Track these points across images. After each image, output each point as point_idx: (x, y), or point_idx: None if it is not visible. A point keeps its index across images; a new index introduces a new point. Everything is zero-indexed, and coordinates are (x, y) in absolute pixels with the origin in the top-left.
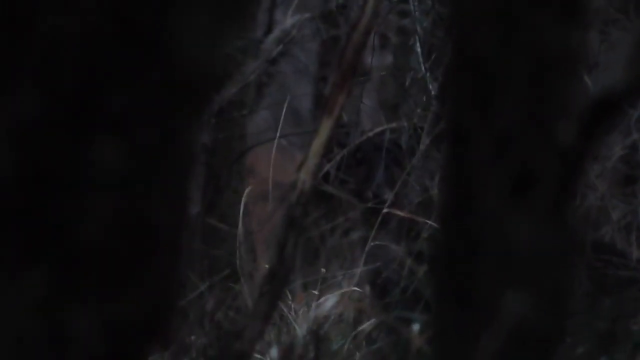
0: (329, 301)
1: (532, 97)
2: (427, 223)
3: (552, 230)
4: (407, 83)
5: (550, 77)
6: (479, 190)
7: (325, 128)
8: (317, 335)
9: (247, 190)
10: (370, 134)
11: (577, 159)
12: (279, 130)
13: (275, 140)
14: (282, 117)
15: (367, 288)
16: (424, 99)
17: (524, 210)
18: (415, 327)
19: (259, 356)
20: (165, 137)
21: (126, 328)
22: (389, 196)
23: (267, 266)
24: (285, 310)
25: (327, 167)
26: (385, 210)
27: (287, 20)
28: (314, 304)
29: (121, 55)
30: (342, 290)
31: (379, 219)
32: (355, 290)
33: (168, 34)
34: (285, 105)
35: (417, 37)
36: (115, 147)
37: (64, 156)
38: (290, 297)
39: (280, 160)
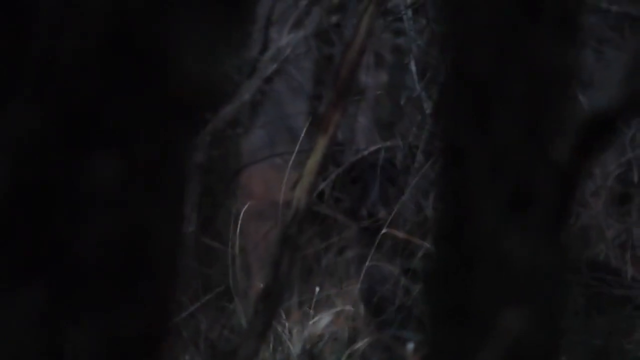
0: (324, 320)
1: (527, 115)
2: (422, 242)
3: (547, 248)
4: (402, 102)
5: (545, 96)
6: (474, 208)
7: (321, 146)
8: (312, 354)
9: (243, 209)
10: (365, 152)
11: (572, 177)
12: (273, 148)
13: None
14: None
15: (362, 307)
16: (419, 117)
17: (519, 228)
18: (410, 346)
19: None
20: (161, 154)
21: (122, 345)
22: (383, 215)
23: (261, 285)
24: (279, 328)
25: (322, 185)
26: (383, 232)
27: (282, 38)
28: (308, 323)
29: (118, 73)
30: (337, 309)
31: (377, 239)
32: (349, 308)
33: (165, 52)
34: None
35: (411, 56)
36: (112, 164)
37: (61, 173)
38: (284, 316)
39: (275, 178)
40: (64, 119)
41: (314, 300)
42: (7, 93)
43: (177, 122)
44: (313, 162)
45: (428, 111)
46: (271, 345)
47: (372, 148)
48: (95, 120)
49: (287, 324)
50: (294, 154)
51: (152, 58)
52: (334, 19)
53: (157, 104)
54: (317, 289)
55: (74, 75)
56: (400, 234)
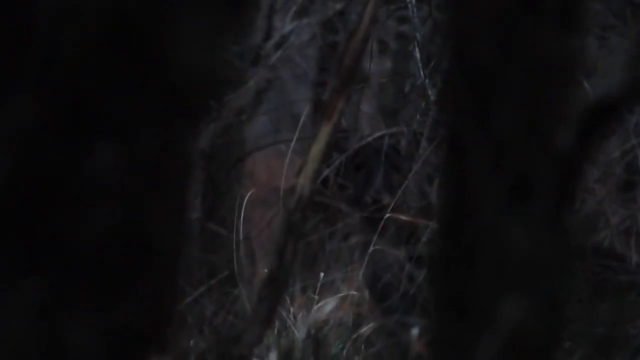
0: (328, 305)
1: (529, 102)
2: (426, 228)
3: (551, 236)
4: (406, 89)
5: (548, 83)
6: (477, 196)
7: (324, 133)
8: (316, 340)
9: (247, 196)
10: (370, 139)
11: (575, 164)
12: (279, 135)
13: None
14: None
15: (366, 292)
16: (423, 104)
17: (522, 216)
18: (414, 331)
19: None
20: (163, 143)
21: (125, 335)
22: (387, 201)
23: (266, 271)
24: (284, 314)
25: (326, 172)
26: (387, 216)
27: (286, 26)
28: (313, 308)
29: (119, 63)
30: (341, 295)
31: (380, 224)
32: (354, 294)
33: (166, 41)
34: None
35: (416, 43)
36: (114, 154)
37: (62, 164)
38: (289, 301)
39: (279, 165)
40: (64, 111)
41: (319, 285)
42: (7, 85)
43: (178, 112)
44: (317, 149)
45: (432, 98)
46: (276, 331)
47: (376, 135)
48: (96, 112)
49: (291, 310)
50: (297, 141)
51: (153, 48)
52: (338, 6)
53: (158, 94)
54: (322, 274)
55: (74, 67)
56: (404, 217)
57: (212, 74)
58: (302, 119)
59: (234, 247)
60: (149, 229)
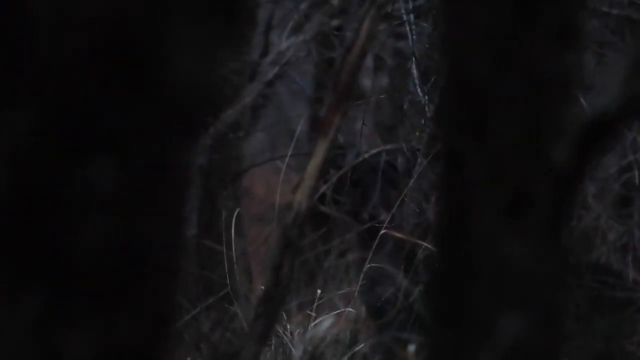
0: (325, 322)
1: (526, 118)
2: (423, 244)
3: (547, 252)
4: (403, 105)
5: (545, 99)
6: (474, 211)
7: (321, 150)
8: (314, 356)
9: (244, 212)
10: (367, 155)
11: (572, 180)
12: (276, 152)
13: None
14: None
15: (363, 309)
16: (420, 121)
17: (519, 231)
18: (411, 348)
19: None
20: (161, 158)
21: (121, 351)
22: (385, 217)
23: (263, 287)
24: (281, 331)
25: (323, 188)
26: (382, 231)
27: (283, 42)
28: (310, 325)
29: (117, 78)
30: (338, 311)
31: (376, 240)
32: (351, 311)
33: (163, 56)
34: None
35: (413, 60)
36: (111, 169)
37: (60, 178)
38: (286, 318)
39: (277, 181)
40: (61, 125)
41: (316, 302)
42: (4, 98)
43: (176, 127)
44: (314, 165)
45: (429, 115)
46: (273, 348)
47: (374, 151)
48: (93, 126)
49: (288, 327)
50: (294, 157)
51: (150, 63)
52: (335, 22)
53: (155, 108)
54: (319, 291)
55: (72, 81)
56: (399, 234)
57: (209, 89)
58: (297, 134)
59: (231, 263)
60: (146, 244)
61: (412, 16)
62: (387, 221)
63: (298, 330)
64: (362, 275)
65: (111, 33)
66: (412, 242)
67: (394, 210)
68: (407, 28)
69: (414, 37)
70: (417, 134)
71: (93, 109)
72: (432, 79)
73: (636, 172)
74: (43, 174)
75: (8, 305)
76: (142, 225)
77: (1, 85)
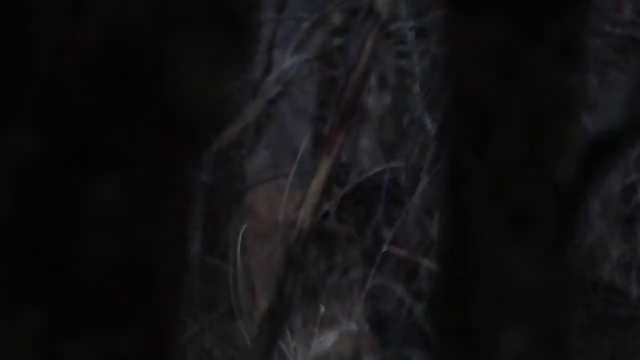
0: (329, 338)
1: (529, 136)
2: (423, 259)
3: (551, 269)
4: (405, 123)
5: (548, 117)
6: (478, 229)
7: (325, 167)
8: None
9: (242, 229)
10: (370, 173)
11: (575, 198)
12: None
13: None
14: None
15: (366, 326)
16: (423, 138)
17: (523, 249)
18: None
19: None
20: (163, 176)
21: None
22: (388, 235)
23: (266, 304)
24: (284, 347)
25: (326, 206)
26: (384, 250)
27: (286, 61)
28: (313, 342)
29: (119, 95)
30: (342, 328)
31: (378, 258)
32: (354, 327)
33: (166, 73)
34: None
35: (414, 78)
36: (114, 186)
37: (62, 195)
38: (289, 335)
39: (280, 199)
40: (64, 142)
41: (319, 319)
42: (8, 116)
43: (178, 144)
44: (317, 183)
45: (432, 132)
46: None
47: (377, 169)
48: (96, 142)
49: (292, 343)
50: (298, 175)
51: (153, 80)
52: (337, 41)
53: (158, 126)
54: (322, 308)
55: (74, 98)
56: (401, 252)
57: (212, 107)
58: (300, 153)
59: (234, 280)
60: (149, 261)
61: (413, 34)
62: (390, 238)
63: (302, 346)
64: (364, 292)
65: (114, 50)
66: (414, 259)
67: (395, 228)
68: (409, 46)
69: (416, 55)
70: (420, 151)
71: (95, 126)
72: (433, 97)
73: (639, 190)
74: (46, 190)
75: (10, 321)
76: (145, 241)
77: (3, 104)
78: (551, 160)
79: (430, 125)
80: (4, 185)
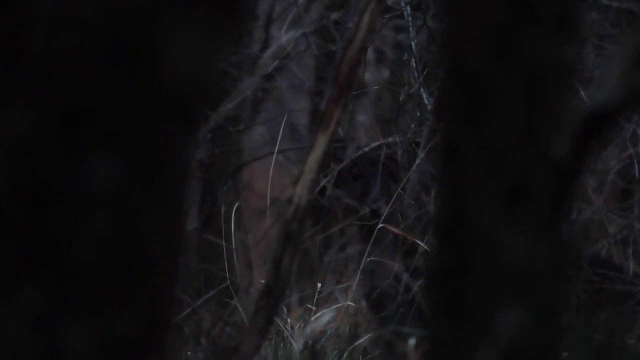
0: (325, 316)
1: (525, 111)
2: (418, 237)
3: (547, 244)
4: (402, 98)
5: (544, 92)
6: (473, 204)
7: (321, 143)
8: (314, 350)
9: (235, 205)
10: (367, 149)
11: (571, 173)
12: (276, 145)
13: (274, 155)
14: (280, 133)
15: (363, 302)
16: (420, 113)
17: (518, 224)
18: (412, 341)
19: None
20: (159, 153)
21: (121, 344)
22: (384, 211)
23: (263, 281)
24: (281, 325)
25: (323, 182)
26: (380, 226)
27: (283, 36)
28: (310, 319)
29: (114, 73)
30: (338, 305)
31: (375, 234)
32: (351, 304)
33: (161, 49)
34: (283, 121)
35: (411, 52)
36: (110, 163)
37: (58, 173)
38: (286, 312)
39: (277, 175)
40: (60, 120)
41: (316, 296)
42: (4, 95)
43: (174, 120)
44: (314, 158)
45: (429, 107)
46: (273, 342)
47: (374, 144)
48: (91, 121)
49: (288, 320)
50: (294, 151)
51: (147, 57)
52: (335, 15)
53: (153, 102)
54: (319, 285)
55: (70, 77)
56: (396, 229)
57: (209, 83)
58: (297, 128)
59: (231, 257)
60: (145, 238)
61: (409, 8)
62: (385, 214)
63: (298, 324)
64: (360, 269)
65: (108, 28)
66: (411, 236)
67: (393, 203)
68: (406, 20)
69: (413, 29)
70: (416, 126)
71: (90, 104)
72: (430, 71)
73: (636, 165)
74: (42, 169)
75: (8, 299)
76: (141, 219)
77: (1, 84)
78: (547, 134)
79: (428, 100)
80: (1, 163)
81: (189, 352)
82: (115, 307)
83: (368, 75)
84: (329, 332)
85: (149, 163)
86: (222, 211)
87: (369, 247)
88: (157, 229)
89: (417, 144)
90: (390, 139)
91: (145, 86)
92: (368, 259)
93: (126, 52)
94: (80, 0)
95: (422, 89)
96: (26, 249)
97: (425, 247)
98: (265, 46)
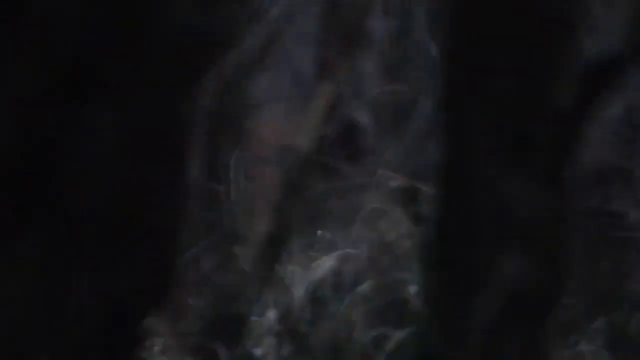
0: (326, 263)
1: (528, 60)
2: (424, 186)
3: (550, 193)
4: (409, 48)
5: (548, 40)
6: (477, 154)
7: (326, 91)
8: (314, 297)
9: (235, 153)
10: (372, 98)
11: (574, 121)
12: (281, 94)
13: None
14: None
15: (365, 250)
16: (426, 63)
17: (521, 173)
18: (413, 289)
19: (256, 318)
20: (161, 103)
21: (122, 291)
22: (388, 160)
23: (265, 229)
24: (282, 272)
25: (327, 130)
26: (380, 172)
27: None
28: (311, 266)
29: (115, 24)
30: (339, 252)
31: (377, 182)
32: (352, 252)
33: (161, 2)
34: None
35: (419, 2)
36: (112, 115)
37: (61, 125)
38: (287, 259)
39: (281, 123)
40: (63, 75)
41: (317, 243)
42: (7, 51)
43: (176, 72)
44: (318, 107)
45: (435, 57)
46: (274, 289)
47: (379, 93)
48: (94, 73)
49: (289, 268)
50: (300, 99)
51: (149, 8)
52: None
53: (155, 54)
54: (319, 232)
55: (71, 30)
56: (400, 177)
57: (210, 33)
58: (310, 78)
59: (234, 205)
60: (148, 187)
61: None
62: (389, 164)
63: (299, 271)
64: (362, 217)
65: None
66: (413, 184)
67: (392, 153)
68: None
69: None
70: (422, 76)
71: (93, 58)
72: (437, 21)
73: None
74: (45, 122)
75: (11, 249)
76: (143, 168)
77: (4, 40)
78: (551, 83)
79: (434, 50)
80: (5, 118)
81: (190, 299)
82: (117, 255)
83: (374, 25)
84: (330, 279)
85: (151, 113)
86: (226, 159)
87: (371, 195)
88: (159, 177)
89: (422, 93)
90: (395, 88)
91: (148, 36)
92: (370, 207)
93: (127, 3)
94: None
95: (429, 39)
96: (29, 200)
97: (428, 195)
98: None
